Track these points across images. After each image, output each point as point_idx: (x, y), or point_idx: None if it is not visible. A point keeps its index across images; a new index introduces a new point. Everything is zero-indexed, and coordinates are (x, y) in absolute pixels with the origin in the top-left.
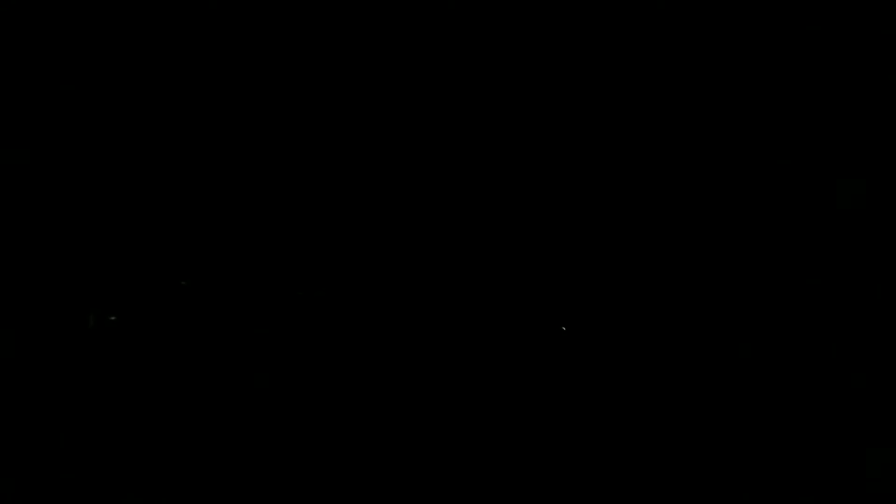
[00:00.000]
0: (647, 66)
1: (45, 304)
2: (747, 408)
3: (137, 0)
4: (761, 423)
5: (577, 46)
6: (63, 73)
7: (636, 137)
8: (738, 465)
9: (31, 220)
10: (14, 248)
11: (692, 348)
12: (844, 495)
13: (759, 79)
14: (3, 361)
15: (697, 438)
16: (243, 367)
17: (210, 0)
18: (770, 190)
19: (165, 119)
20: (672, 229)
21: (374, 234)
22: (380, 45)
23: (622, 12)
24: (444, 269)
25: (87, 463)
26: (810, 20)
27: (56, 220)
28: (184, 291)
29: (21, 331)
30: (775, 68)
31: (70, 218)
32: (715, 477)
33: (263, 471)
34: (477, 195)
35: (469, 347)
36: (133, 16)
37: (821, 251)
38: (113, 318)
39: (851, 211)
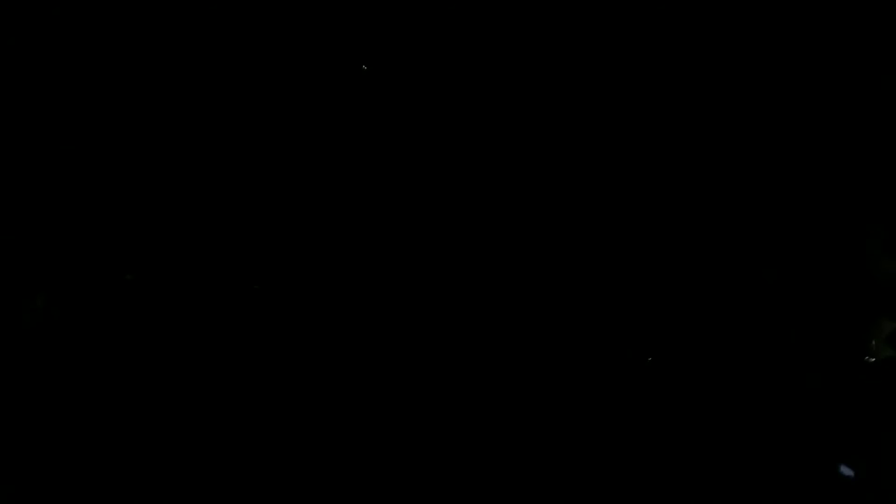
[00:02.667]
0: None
1: None
2: (750, 410)
3: None
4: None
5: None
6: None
7: (639, 139)
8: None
9: None
10: None
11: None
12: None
13: (762, 80)
14: None
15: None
16: (192, 365)
17: None
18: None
19: (117, 103)
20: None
21: (328, 222)
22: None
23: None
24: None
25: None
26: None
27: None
28: (129, 286)
29: None
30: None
31: (13, 208)
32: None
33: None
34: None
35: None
36: None
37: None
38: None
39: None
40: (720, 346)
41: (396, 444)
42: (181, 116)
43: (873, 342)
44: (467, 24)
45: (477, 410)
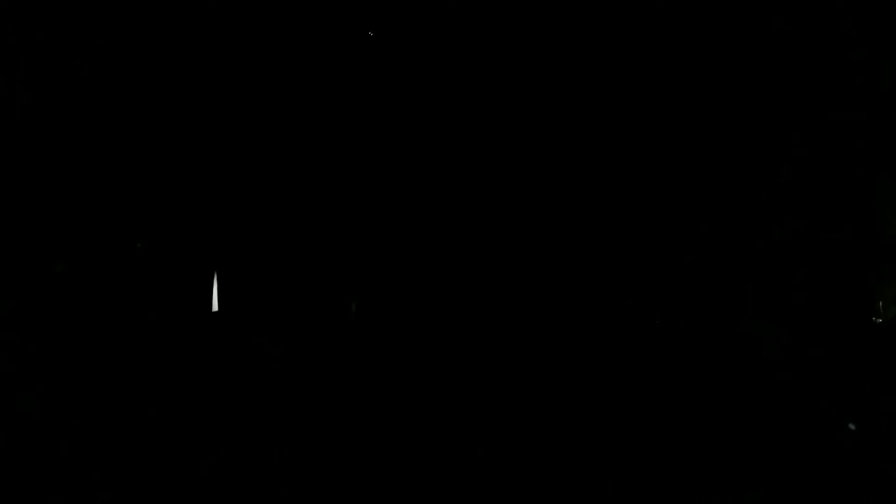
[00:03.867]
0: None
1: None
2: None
3: None
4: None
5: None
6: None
7: (640, 139)
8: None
9: None
10: None
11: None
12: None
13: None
14: None
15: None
16: (194, 337)
17: None
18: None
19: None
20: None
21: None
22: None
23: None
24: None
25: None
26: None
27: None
28: (139, 254)
29: None
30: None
31: (35, 184)
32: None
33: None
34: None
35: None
36: None
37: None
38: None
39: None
40: (729, 308)
41: (401, 424)
42: (192, 101)
43: (880, 303)
44: (473, 18)
45: (485, 393)
